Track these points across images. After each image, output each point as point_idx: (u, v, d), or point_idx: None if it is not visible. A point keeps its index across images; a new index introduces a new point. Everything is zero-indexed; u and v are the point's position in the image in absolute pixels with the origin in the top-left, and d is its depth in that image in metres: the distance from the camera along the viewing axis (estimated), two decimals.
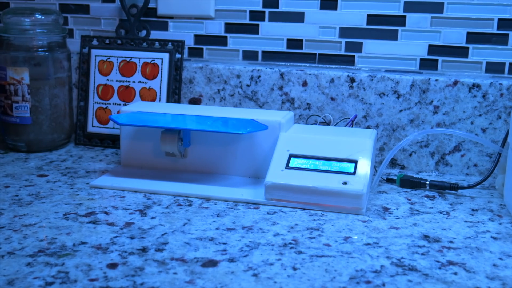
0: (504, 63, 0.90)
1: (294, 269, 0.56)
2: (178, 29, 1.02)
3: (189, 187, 0.77)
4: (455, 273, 0.56)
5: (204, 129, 0.76)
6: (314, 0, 0.95)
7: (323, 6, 0.94)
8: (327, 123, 0.92)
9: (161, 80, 0.97)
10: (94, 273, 0.54)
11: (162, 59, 0.97)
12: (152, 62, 0.97)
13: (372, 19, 0.93)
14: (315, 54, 0.97)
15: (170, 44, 0.98)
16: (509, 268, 0.58)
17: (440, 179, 0.85)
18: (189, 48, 1.02)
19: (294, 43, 0.97)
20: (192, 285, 0.52)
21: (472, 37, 0.90)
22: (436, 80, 0.88)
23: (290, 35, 0.97)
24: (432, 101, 0.88)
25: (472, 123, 0.88)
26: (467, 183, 0.83)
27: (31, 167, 0.87)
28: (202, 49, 1.01)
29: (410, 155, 0.90)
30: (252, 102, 0.95)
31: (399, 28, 0.92)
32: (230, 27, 0.99)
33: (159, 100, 0.97)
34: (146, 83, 0.98)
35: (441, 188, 0.80)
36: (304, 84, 0.93)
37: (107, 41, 1.01)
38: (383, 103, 0.90)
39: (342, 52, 0.95)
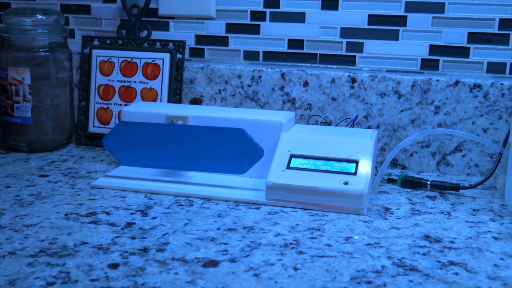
0: (505, 63, 0.90)
1: (295, 269, 0.56)
2: (179, 29, 1.02)
3: (190, 187, 0.77)
4: (456, 273, 0.56)
5: (204, 171, 0.79)
6: (315, 0, 0.95)
7: (324, 6, 0.94)
8: (328, 123, 0.92)
9: (162, 80, 0.97)
10: (95, 273, 0.54)
11: (163, 59, 0.97)
12: (153, 62, 0.97)
13: (373, 19, 0.93)
14: (316, 54, 0.97)
15: (171, 44, 0.98)
16: (510, 268, 0.57)
17: (441, 179, 0.85)
18: (190, 48, 1.02)
19: (295, 43, 0.97)
20: (193, 285, 0.52)
21: (473, 37, 0.90)
22: (437, 80, 0.87)
23: (291, 35, 0.97)
24: (433, 101, 0.88)
25: (473, 123, 0.87)
26: (468, 183, 0.83)
27: (32, 167, 0.87)
28: (203, 49, 1.01)
29: (411, 155, 0.90)
30: (253, 102, 0.95)
31: (400, 28, 0.92)
32: (231, 27, 0.99)
33: (160, 100, 0.97)
34: (147, 83, 0.98)
35: (442, 188, 0.80)
36: (305, 84, 0.93)
37: (108, 41, 1.01)
38: (384, 103, 0.90)
39: (343, 52, 0.95)
